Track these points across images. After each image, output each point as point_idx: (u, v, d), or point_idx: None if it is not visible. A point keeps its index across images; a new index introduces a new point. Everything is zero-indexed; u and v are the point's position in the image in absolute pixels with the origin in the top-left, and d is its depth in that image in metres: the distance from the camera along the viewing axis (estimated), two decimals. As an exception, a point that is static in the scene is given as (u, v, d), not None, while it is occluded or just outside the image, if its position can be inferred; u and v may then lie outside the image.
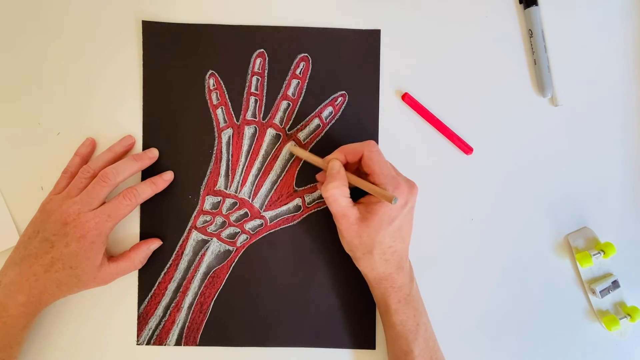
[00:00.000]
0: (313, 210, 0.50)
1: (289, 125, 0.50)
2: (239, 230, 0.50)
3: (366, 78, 0.51)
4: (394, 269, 0.44)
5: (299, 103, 0.50)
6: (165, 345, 0.48)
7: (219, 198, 0.50)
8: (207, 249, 0.49)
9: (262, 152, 0.50)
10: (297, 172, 0.50)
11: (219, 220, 0.50)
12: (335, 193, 0.42)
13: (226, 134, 0.50)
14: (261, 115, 0.50)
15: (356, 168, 0.46)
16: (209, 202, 0.50)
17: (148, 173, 0.48)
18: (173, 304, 0.49)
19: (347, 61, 0.50)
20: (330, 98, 0.50)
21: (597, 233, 0.51)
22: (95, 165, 0.46)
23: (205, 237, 0.49)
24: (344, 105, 0.50)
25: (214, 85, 0.50)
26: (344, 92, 0.50)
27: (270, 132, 0.50)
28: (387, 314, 0.45)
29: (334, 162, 0.44)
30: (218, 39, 0.50)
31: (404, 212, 0.43)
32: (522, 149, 0.51)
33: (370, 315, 0.50)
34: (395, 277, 0.44)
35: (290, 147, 0.49)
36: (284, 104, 0.50)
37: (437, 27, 0.51)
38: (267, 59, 0.50)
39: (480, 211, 0.51)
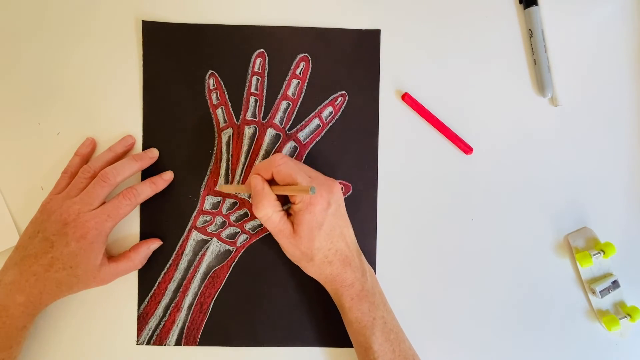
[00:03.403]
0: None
1: (289, 125, 0.50)
2: (239, 230, 0.50)
3: (366, 78, 0.51)
4: (340, 268, 0.44)
5: (299, 103, 0.50)
6: (165, 345, 0.48)
7: (219, 198, 0.50)
8: (207, 249, 0.49)
9: (262, 152, 0.50)
10: (297, 172, 0.50)
11: (219, 220, 0.50)
12: (268, 212, 0.42)
13: (226, 134, 0.50)
14: (261, 115, 0.50)
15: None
16: (209, 202, 0.50)
17: (148, 173, 0.48)
18: (173, 304, 0.49)
19: (347, 61, 0.50)
20: (330, 98, 0.50)
21: (597, 233, 0.51)
22: (96, 165, 0.46)
23: (205, 237, 0.49)
24: (344, 105, 0.50)
25: (214, 85, 0.50)
26: (344, 92, 0.50)
27: (270, 132, 0.50)
28: (342, 312, 0.45)
29: (255, 179, 0.43)
30: (218, 39, 0.50)
31: (329, 212, 0.43)
32: (522, 149, 0.51)
33: (370, 315, 0.50)
34: (343, 276, 0.44)
35: (219, 187, 0.49)
36: (284, 104, 0.50)
37: (437, 27, 0.51)
38: (267, 59, 0.50)
39: (480, 211, 0.51)
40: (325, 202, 0.42)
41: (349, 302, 0.44)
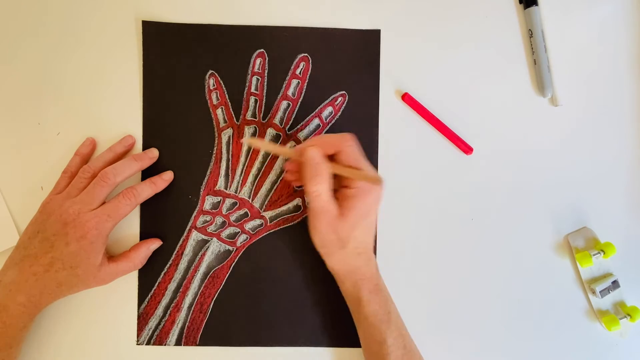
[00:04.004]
0: (313, 210, 0.50)
1: (289, 125, 0.50)
2: (239, 230, 0.50)
3: (366, 78, 0.51)
4: (365, 261, 0.44)
5: (299, 103, 0.50)
6: (165, 345, 0.48)
7: (219, 198, 0.50)
8: (207, 249, 0.49)
9: (262, 152, 0.50)
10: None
11: (219, 220, 0.50)
12: (320, 189, 0.41)
13: (226, 134, 0.50)
14: (261, 115, 0.50)
15: (328, 157, 0.44)
16: (209, 202, 0.50)
17: (148, 173, 0.48)
18: (173, 304, 0.49)
19: (347, 61, 0.50)
20: (330, 98, 0.50)
21: (597, 233, 0.51)
22: (95, 165, 0.46)
23: (205, 237, 0.49)
24: (344, 105, 0.50)
25: (214, 85, 0.50)
26: (344, 92, 0.50)
27: (270, 132, 0.50)
28: (359, 307, 0.45)
29: (313, 151, 0.41)
30: (218, 39, 0.50)
31: (377, 207, 0.44)
32: (522, 149, 0.51)
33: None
34: (364, 269, 0.45)
35: (247, 141, 0.46)
36: (284, 104, 0.50)
37: (437, 27, 0.51)
38: (267, 59, 0.50)
39: (480, 211, 0.51)
40: (378, 196, 0.43)
41: (367, 295, 0.44)
